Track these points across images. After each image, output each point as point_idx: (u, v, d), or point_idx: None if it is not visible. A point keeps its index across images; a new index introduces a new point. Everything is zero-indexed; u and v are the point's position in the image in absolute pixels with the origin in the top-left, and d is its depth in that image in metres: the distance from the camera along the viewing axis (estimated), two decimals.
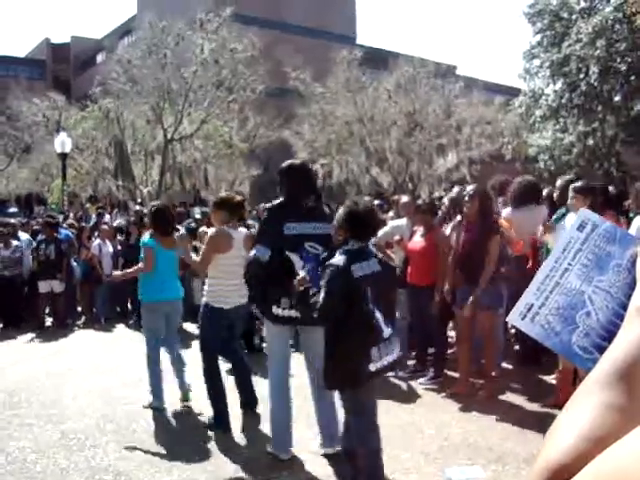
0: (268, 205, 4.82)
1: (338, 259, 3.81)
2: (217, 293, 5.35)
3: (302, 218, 4.55)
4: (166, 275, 6.04)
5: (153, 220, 6.17)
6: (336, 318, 3.76)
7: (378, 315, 3.78)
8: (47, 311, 11.33)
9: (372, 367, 3.72)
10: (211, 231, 5.55)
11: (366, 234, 3.97)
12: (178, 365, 6.22)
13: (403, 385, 6.60)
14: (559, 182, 6.63)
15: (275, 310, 4.52)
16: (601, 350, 0.97)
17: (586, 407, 0.74)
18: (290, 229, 4.50)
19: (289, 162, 5.05)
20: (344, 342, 3.77)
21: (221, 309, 5.33)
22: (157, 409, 5.95)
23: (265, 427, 5.26)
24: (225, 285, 5.31)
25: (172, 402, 6.12)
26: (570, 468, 0.66)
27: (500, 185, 7.63)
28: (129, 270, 6.66)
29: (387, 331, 3.82)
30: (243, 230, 5.71)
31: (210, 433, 5.28)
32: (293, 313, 4.48)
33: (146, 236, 6.26)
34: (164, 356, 6.23)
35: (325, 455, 4.68)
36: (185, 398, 6.14)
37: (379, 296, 3.81)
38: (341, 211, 4.00)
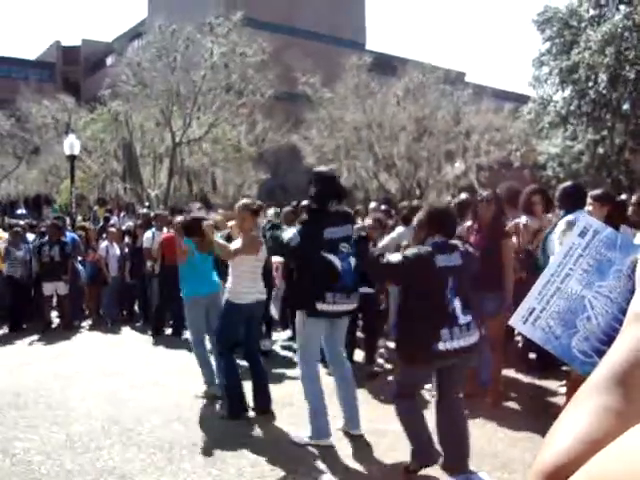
0: (307, 208, 5.42)
1: (423, 248, 4.27)
2: (237, 290, 5.68)
3: (338, 222, 5.04)
4: (204, 270, 6.57)
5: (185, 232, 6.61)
6: (415, 301, 4.24)
7: (457, 303, 4.17)
8: (54, 313, 11.38)
9: (441, 346, 4.07)
10: (247, 235, 5.79)
11: (448, 229, 4.36)
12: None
13: None
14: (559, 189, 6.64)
15: (320, 306, 4.91)
16: (600, 354, 0.98)
17: (583, 411, 0.74)
18: (330, 233, 4.96)
19: (320, 169, 5.83)
20: (419, 322, 4.17)
21: (240, 305, 5.66)
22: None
23: (276, 430, 5.27)
24: (245, 283, 5.69)
25: (179, 404, 6.14)
26: (566, 470, 0.67)
27: (509, 193, 7.56)
28: None
29: (464, 318, 4.18)
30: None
31: (216, 437, 5.29)
32: (336, 307, 4.96)
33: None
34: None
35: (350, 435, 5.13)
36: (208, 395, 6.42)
37: (460, 286, 4.21)
38: (421, 213, 4.50)
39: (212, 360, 6.41)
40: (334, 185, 5.24)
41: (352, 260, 5.02)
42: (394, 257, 4.40)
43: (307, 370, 5.12)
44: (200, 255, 6.52)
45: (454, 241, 4.37)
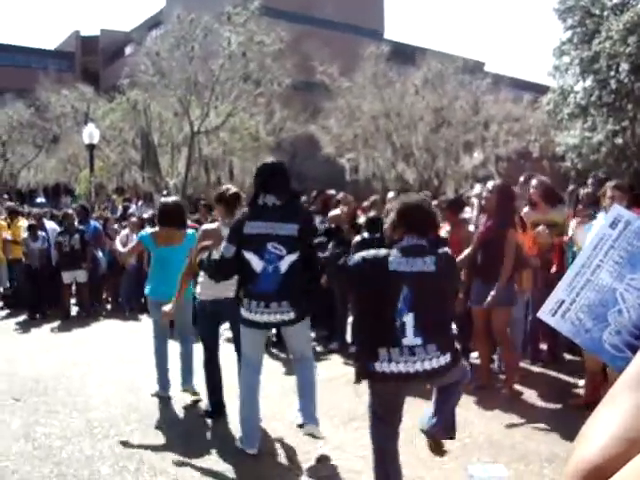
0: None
1: (379, 249, 3.62)
2: (204, 286, 5.38)
3: (270, 218, 4.42)
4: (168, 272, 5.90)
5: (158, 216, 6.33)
6: (360, 310, 3.86)
7: (408, 319, 3.43)
8: (73, 301, 11.47)
9: (377, 367, 3.44)
10: (203, 227, 5.64)
11: (420, 228, 3.63)
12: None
13: (419, 391, 6.58)
14: (591, 180, 6.60)
15: (242, 311, 4.49)
16: (632, 348, 0.97)
17: (618, 408, 0.73)
18: (250, 228, 4.40)
19: (266, 161, 5.16)
20: (360, 332, 3.92)
21: (206, 301, 5.38)
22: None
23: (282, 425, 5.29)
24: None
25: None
26: (604, 470, 0.66)
27: (545, 190, 7.32)
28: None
29: (412, 340, 3.42)
30: None
31: (233, 426, 5.31)
32: (256, 317, 4.42)
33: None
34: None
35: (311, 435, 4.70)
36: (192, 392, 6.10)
37: (418, 299, 3.45)
38: (392, 212, 3.79)
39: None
40: (266, 177, 4.57)
41: (283, 264, 4.37)
42: (341, 260, 3.74)
43: (242, 374, 4.75)
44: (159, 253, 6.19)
45: (429, 246, 3.64)
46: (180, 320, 6.09)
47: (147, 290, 6.16)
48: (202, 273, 5.27)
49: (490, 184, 6.28)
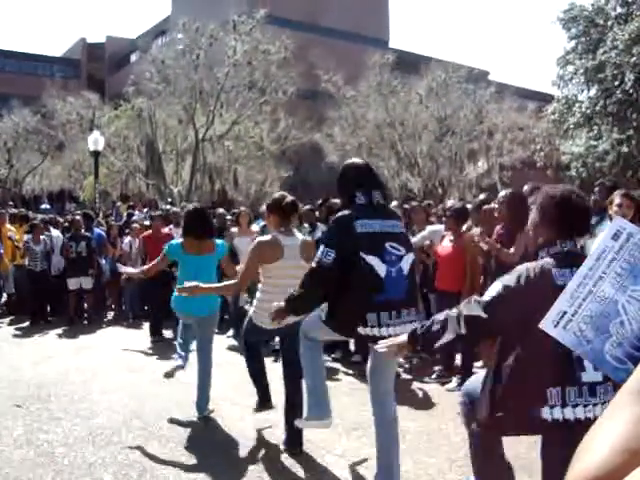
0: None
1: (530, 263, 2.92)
2: (264, 308, 4.60)
3: (376, 216, 3.90)
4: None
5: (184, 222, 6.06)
6: (522, 340, 2.81)
7: None
8: (77, 308, 11.49)
9: (546, 413, 2.72)
10: (257, 240, 5.03)
11: (580, 229, 3.03)
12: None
13: (430, 391, 6.57)
14: (598, 188, 6.60)
15: (362, 330, 3.75)
16: (634, 360, 0.97)
17: (620, 419, 0.73)
18: (362, 226, 3.80)
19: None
20: (519, 372, 2.93)
21: (261, 327, 4.87)
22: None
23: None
24: (275, 301, 4.12)
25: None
26: None
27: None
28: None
29: (592, 375, 2.71)
30: (300, 236, 5.04)
31: (236, 434, 5.31)
32: (399, 330, 3.64)
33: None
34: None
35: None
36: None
37: None
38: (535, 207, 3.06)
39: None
40: (363, 173, 4.11)
41: (405, 266, 3.88)
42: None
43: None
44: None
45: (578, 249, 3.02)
46: (204, 333, 5.85)
47: (176, 305, 5.80)
48: (263, 296, 4.80)
49: (502, 194, 6.28)
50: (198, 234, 5.80)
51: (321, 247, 3.76)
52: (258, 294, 4.92)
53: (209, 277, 5.52)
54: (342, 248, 3.70)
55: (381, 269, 3.71)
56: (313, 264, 3.78)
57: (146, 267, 6.30)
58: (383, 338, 3.51)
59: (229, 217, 11.01)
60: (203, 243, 5.80)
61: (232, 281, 5.12)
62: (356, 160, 4.35)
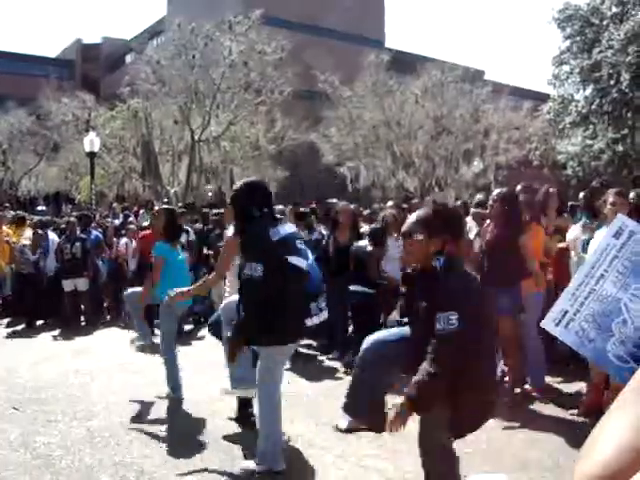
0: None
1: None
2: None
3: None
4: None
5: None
6: None
7: None
8: (74, 309, 11.45)
9: None
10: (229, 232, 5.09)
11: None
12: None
13: None
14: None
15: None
16: (637, 359, 0.96)
17: (624, 419, 0.72)
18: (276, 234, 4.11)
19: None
20: None
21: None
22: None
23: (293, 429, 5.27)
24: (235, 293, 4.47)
25: (198, 401, 6.14)
26: None
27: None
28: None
29: None
30: None
31: (236, 435, 5.29)
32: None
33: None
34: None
35: None
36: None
37: None
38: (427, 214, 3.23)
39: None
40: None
41: None
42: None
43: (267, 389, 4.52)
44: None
45: None
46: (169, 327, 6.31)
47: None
48: (230, 289, 5.16)
49: (495, 192, 6.30)
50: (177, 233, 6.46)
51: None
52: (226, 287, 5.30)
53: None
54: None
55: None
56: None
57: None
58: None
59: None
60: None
61: (211, 275, 5.17)
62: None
